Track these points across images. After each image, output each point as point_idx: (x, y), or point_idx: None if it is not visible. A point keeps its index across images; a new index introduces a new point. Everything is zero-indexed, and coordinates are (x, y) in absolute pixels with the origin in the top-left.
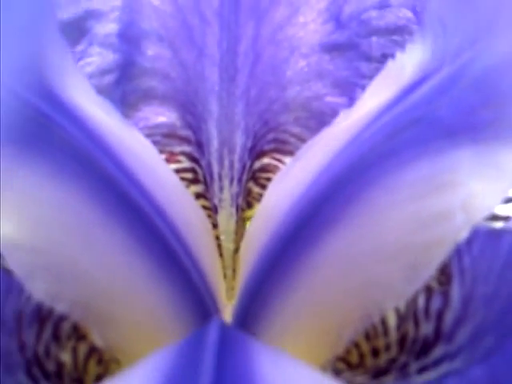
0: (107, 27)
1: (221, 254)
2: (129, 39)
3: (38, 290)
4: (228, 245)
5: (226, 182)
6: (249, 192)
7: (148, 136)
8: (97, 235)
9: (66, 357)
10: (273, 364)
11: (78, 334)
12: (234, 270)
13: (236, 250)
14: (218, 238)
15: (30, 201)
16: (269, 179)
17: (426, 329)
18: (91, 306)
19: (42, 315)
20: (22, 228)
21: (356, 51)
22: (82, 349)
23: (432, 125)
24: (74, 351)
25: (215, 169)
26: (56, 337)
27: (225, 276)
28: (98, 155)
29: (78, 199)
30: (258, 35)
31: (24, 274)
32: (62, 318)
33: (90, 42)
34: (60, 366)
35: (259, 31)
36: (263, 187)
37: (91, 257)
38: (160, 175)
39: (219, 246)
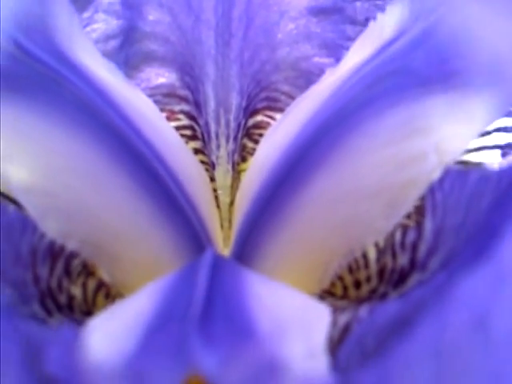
0: None
1: (218, 207)
2: (131, 6)
3: (51, 229)
4: (225, 198)
5: (222, 141)
6: (243, 147)
7: (149, 96)
8: (104, 180)
9: (76, 291)
10: (262, 284)
11: (88, 270)
12: (230, 222)
13: (232, 203)
14: (215, 191)
15: (42, 149)
16: (261, 135)
17: (403, 260)
18: (99, 244)
19: (54, 252)
20: (35, 174)
21: (341, 15)
22: (91, 284)
23: (407, 75)
24: (84, 286)
25: (212, 128)
26: (67, 272)
27: (222, 227)
28: (105, 109)
29: (86, 147)
30: (251, 1)
31: (38, 214)
32: (72, 255)
33: (95, 9)
34: (71, 299)
35: None
36: (256, 142)
37: (99, 199)
38: (161, 130)
39: (216, 199)
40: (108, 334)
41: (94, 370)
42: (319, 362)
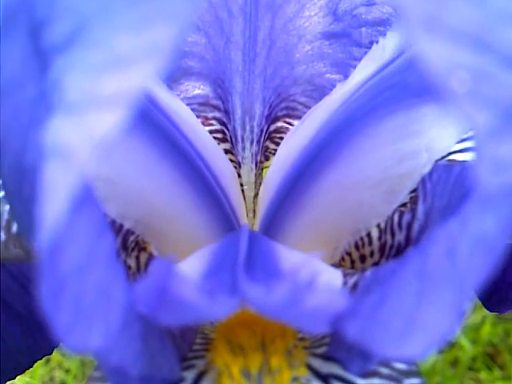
0: None
1: (244, 199)
2: None
3: (111, 210)
4: (249, 193)
5: (247, 144)
6: (266, 149)
7: (187, 104)
8: (154, 172)
9: (131, 262)
10: (288, 250)
11: (140, 246)
12: (254, 212)
13: (255, 196)
14: (241, 185)
15: (106, 145)
16: (282, 138)
17: (399, 237)
18: (150, 224)
19: (114, 228)
20: (101, 165)
21: (349, 39)
22: (143, 257)
23: (403, 88)
24: (137, 258)
25: (239, 132)
26: (124, 246)
27: (247, 216)
28: (156, 114)
29: (141, 145)
30: (273, 26)
31: (101, 198)
32: (128, 233)
33: None
34: (127, 268)
35: (274, 23)
36: (277, 144)
37: (150, 188)
38: (198, 132)
39: (242, 192)
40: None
41: (183, 290)
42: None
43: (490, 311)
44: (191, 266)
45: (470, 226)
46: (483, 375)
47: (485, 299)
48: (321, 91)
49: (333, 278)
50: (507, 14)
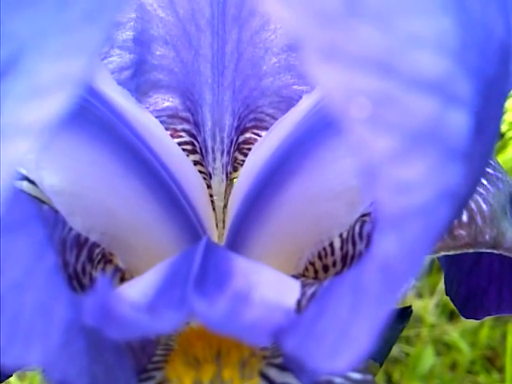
0: (125, 34)
1: (214, 210)
2: (141, 43)
3: (76, 224)
4: (219, 203)
5: (218, 155)
6: (235, 160)
7: (157, 117)
8: (120, 185)
9: (97, 274)
10: (246, 262)
11: (106, 258)
12: (224, 222)
13: (225, 206)
14: (211, 196)
15: (70, 159)
16: (250, 149)
17: (360, 247)
18: (115, 236)
19: (79, 242)
20: (64, 179)
21: None
22: (109, 269)
23: None
24: (103, 271)
25: (209, 144)
26: (90, 259)
27: (217, 226)
28: (121, 128)
29: (106, 158)
30: (240, 39)
31: (66, 212)
32: (94, 245)
33: (111, 45)
34: (93, 281)
35: (241, 36)
36: (245, 155)
37: (115, 200)
38: (167, 145)
39: (212, 203)
40: (131, 290)
41: (122, 306)
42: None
43: (466, 318)
44: (145, 281)
45: (374, 250)
46: (482, 378)
47: (460, 306)
48: (288, 102)
49: (275, 290)
50: (415, 37)
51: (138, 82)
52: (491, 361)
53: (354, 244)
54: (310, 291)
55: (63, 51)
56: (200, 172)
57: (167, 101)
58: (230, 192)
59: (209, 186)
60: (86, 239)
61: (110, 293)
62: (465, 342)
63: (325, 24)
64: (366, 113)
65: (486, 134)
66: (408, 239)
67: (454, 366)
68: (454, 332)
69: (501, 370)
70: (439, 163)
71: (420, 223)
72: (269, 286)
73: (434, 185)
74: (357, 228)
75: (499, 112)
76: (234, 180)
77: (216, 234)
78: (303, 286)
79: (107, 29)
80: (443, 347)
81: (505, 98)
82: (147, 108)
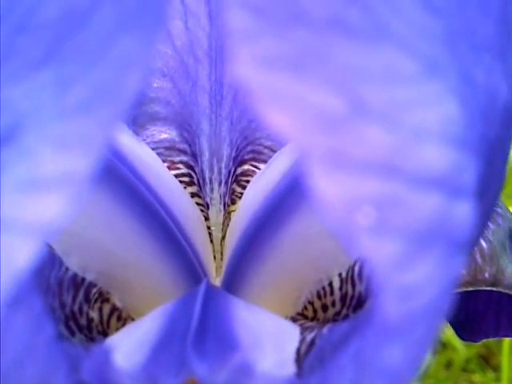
0: None
1: (211, 241)
2: None
3: (73, 263)
4: (217, 234)
5: (215, 185)
6: (233, 192)
7: (153, 149)
8: (115, 223)
9: (94, 314)
10: (245, 309)
11: (103, 297)
12: (222, 253)
13: (223, 238)
14: (209, 228)
15: None
16: (248, 181)
17: (360, 288)
18: (112, 276)
19: (76, 282)
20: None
21: None
22: (106, 308)
23: None
24: (100, 310)
25: (207, 174)
26: (87, 299)
27: (214, 258)
28: (118, 164)
29: (102, 197)
30: None
31: (62, 251)
32: (91, 285)
33: None
34: (90, 321)
35: None
36: (243, 188)
37: (111, 239)
38: (163, 178)
39: (210, 235)
40: (125, 350)
41: (118, 375)
42: (287, 370)
43: (464, 340)
44: (142, 335)
45: (374, 359)
46: (477, 377)
47: (459, 329)
48: None
49: (278, 358)
50: (420, 130)
51: (135, 113)
52: (486, 359)
53: (353, 285)
54: (309, 337)
55: (62, 139)
56: (197, 204)
57: (164, 133)
58: (227, 223)
59: (206, 218)
60: (83, 279)
61: (107, 363)
62: (460, 340)
63: (328, 129)
64: (370, 221)
65: (489, 194)
66: (412, 342)
67: (448, 365)
68: (449, 330)
69: (496, 368)
70: (443, 259)
71: (424, 324)
72: (269, 338)
73: (438, 282)
74: (356, 268)
75: (502, 168)
76: (232, 213)
77: (214, 267)
78: (302, 330)
79: (107, 124)
80: (438, 346)
81: (507, 154)
82: (144, 140)
